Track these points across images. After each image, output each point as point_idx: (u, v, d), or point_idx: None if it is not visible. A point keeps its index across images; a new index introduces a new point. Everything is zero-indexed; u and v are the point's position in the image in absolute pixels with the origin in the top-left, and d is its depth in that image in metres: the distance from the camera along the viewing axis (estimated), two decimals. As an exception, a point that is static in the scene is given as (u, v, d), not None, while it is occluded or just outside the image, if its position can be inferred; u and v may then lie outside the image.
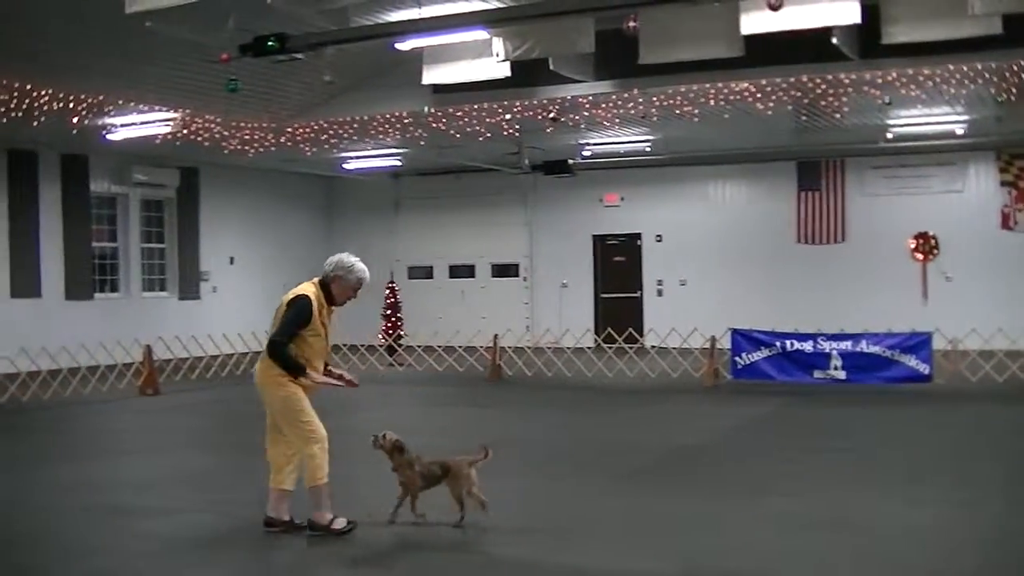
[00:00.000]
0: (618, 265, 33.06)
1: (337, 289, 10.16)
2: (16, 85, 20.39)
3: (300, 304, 9.92)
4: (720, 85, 20.70)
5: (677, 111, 22.73)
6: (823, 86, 20.70)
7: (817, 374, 21.16)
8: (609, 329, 25.71)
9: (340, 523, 10.01)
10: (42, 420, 18.69)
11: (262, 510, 10.24)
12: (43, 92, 20.92)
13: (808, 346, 21.31)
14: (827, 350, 21.11)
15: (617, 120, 24.14)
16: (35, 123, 22.23)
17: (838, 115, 23.81)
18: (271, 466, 10.17)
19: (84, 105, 22.01)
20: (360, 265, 10.24)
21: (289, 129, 25.52)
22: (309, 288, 10.07)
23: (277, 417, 10.05)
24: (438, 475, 10.32)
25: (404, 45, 18.09)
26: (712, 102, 21.85)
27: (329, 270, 10.19)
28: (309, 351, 9.96)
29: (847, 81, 20.20)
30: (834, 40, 17.25)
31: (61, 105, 21.66)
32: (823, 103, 22.38)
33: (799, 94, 21.36)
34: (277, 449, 10.14)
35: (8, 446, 16.09)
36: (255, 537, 9.96)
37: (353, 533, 9.88)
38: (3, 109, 21.28)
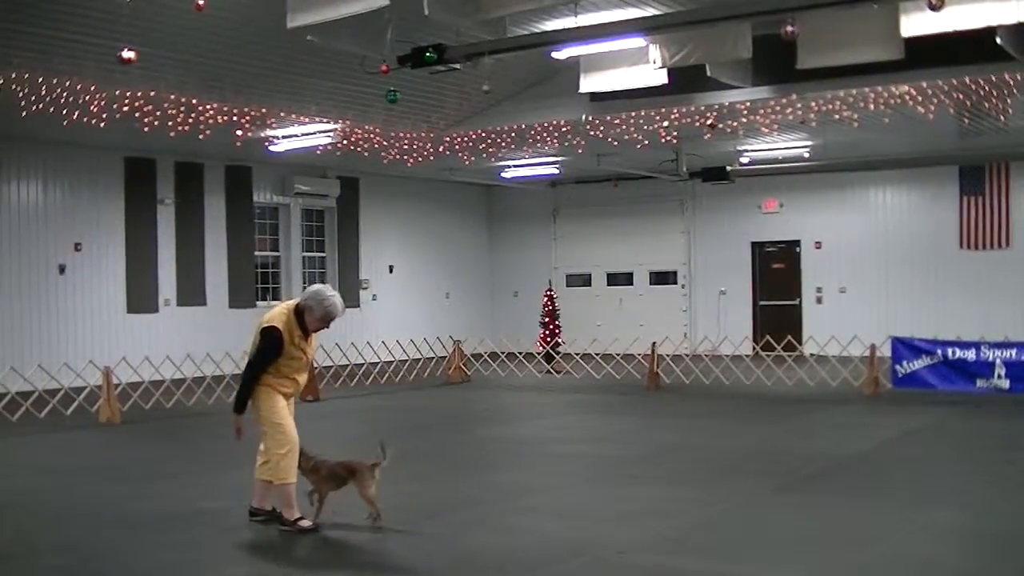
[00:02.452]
0: (777, 272, 32.74)
1: (308, 318, 10.45)
2: (183, 100, 20.88)
3: (270, 339, 10.30)
4: (880, 89, 20.37)
5: (836, 116, 22.41)
6: (986, 87, 20.23)
7: (980, 383, 20.68)
8: (767, 337, 25.45)
9: (305, 523, 10.39)
10: (207, 426, 19.03)
11: (408, 518, 10.38)
12: (208, 107, 21.40)
13: (971, 354, 20.85)
14: (991, 359, 20.63)
15: (775, 126, 23.89)
16: (201, 136, 22.74)
17: (1003, 117, 23.26)
18: (258, 459, 10.71)
19: (247, 118, 22.47)
20: (332, 300, 10.49)
21: (447, 138, 25.71)
22: (281, 317, 10.38)
23: (257, 415, 10.50)
24: (343, 477, 10.58)
25: (561, 54, 18.14)
26: (872, 106, 21.50)
27: (302, 300, 10.50)
28: (285, 369, 10.43)
29: (1012, 82, 19.72)
30: (998, 40, 16.80)
31: (226, 119, 22.14)
32: (987, 105, 21.87)
33: (961, 96, 20.90)
34: (264, 443, 10.58)
35: (172, 451, 16.41)
36: (411, 543, 10.04)
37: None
38: (171, 123, 21.81)
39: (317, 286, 10.65)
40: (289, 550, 10.00)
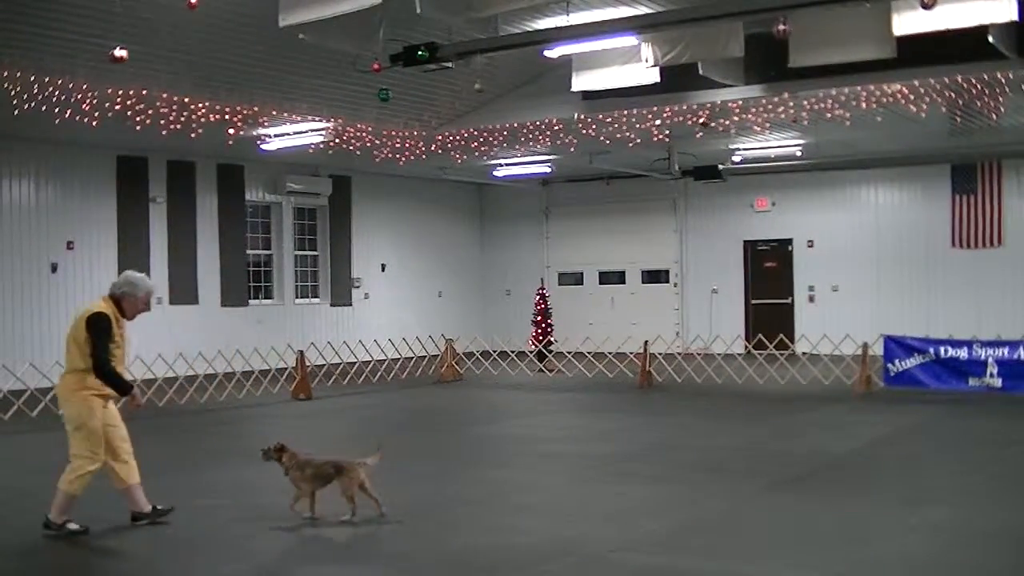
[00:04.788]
0: (769, 271, 32.78)
1: (127, 304, 10.60)
2: (175, 98, 20.88)
3: (102, 322, 10.33)
4: (872, 87, 20.39)
5: (828, 114, 22.45)
6: (979, 86, 20.27)
7: (972, 382, 20.71)
8: (760, 335, 25.52)
9: (73, 526, 10.36)
10: (198, 423, 19.06)
11: (399, 516, 10.43)
12: (200, 105, 21.40)
13: (963, 353, 20.87)
14: (983, 357, 20.65)
15: (767, 124, 23.91)
16: (193, 135, 22.75)
17: (994, 116, 23.32)
18: (111, 471, 10.57)
19: (239, 117, 22.47)
20: (145, 281, 10.75)
21: (440, 137, 25.73)
22: (102, 305, 10.48)
23: (69, 427, 10.40)
24: (331, 474, 10.61)
25: (553, 52, 18.19)
26: (864, 105, 21.53)
27: (117, 289, 10.58)
28: (116, 355, 10.43)
29: (1004, 80, 19.75)
30: (990, 38, 16.85)
31: (217, 117, 22.14)
32: (979, 104, 21.93)
33: (953, 95, 20.94)
34: (72, 450, 10.41)
35: (163, 448, 16.41)
36: (395, 540, 10.06)
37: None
38: (163, 122, 21.81)
39: (124, 274, 10.80)
40: (282, 547, 10.01)
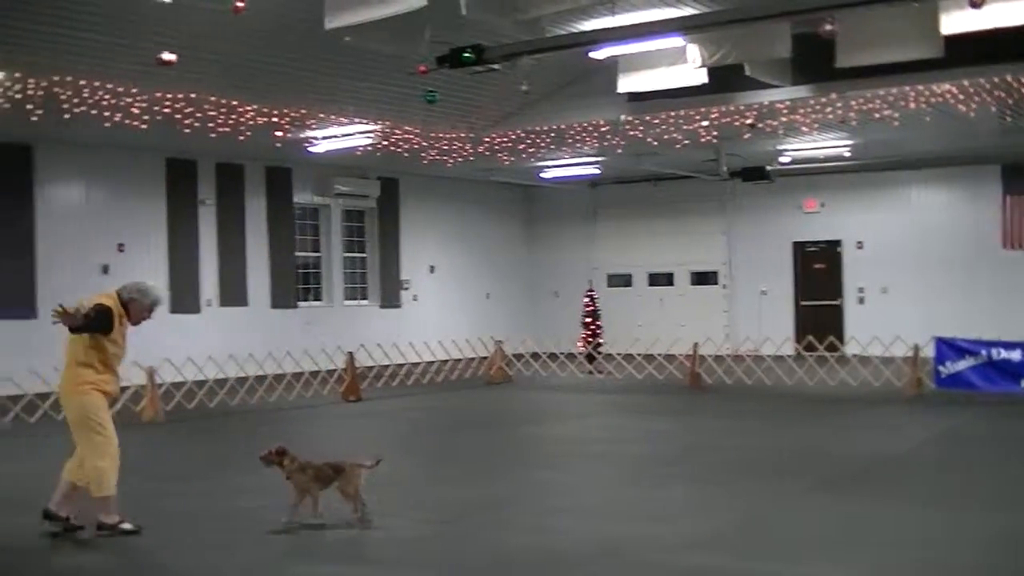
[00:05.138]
0: (818, 272, 32.61)
1: (133, 309, 10.66)
2: (223, 102, 21.01)
3: (103, 310, 10.39)
4: (920, 87, 20.28)
5: (876, 115, 22.31)
6: (1029, 85, 20.14)
7: (1025, 383, 20.58)
8: (809, 337, 25.33)
9: (127, 525, 10.37)
10: (248, 425, 19.14)
11: (444, 516, 10.43)
12: (248, 108, 21.52)
13: (1016, 355, 20.66)
14: (1035, 359, 20.51)
15: (815, 125, 23.80)
16: (241, 137, 22.87)
17: (1046, 115, 23.13)
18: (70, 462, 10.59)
19: (287, 120, 22.57)
20: (154, 291, 10.84)
21: (487, 139, 25.76)
22: (109, 300, 10.54)
23: (73, 425, 10.44)
24: (331, 476, 10.61)
25: (599, 54, 18.17)
26: (912, 105, 21.39)
27: (126, 294, 10.65)
28: (106, 356, 10.44)
29: (1055, 79, 19.61)
30: (1040, 36, 16.71)
31: (265, 120, 22.26)
32: (1029, 103, 21.77)
33: (1003, 94, 20.75)
34: (81, 449, 10.48)
35: (212, 448, 16.51)
36: (442, 541, 10.08)
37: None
38: (211, 125, 21.95)
39: (135, 281, 10.89)
40: (321, 549, 10.04)
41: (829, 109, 22.15)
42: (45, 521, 10.41)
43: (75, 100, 19.58)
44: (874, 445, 15.87)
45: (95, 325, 10.29)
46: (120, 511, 10.39)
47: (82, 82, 18.98)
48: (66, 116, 20.07)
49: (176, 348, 23.14)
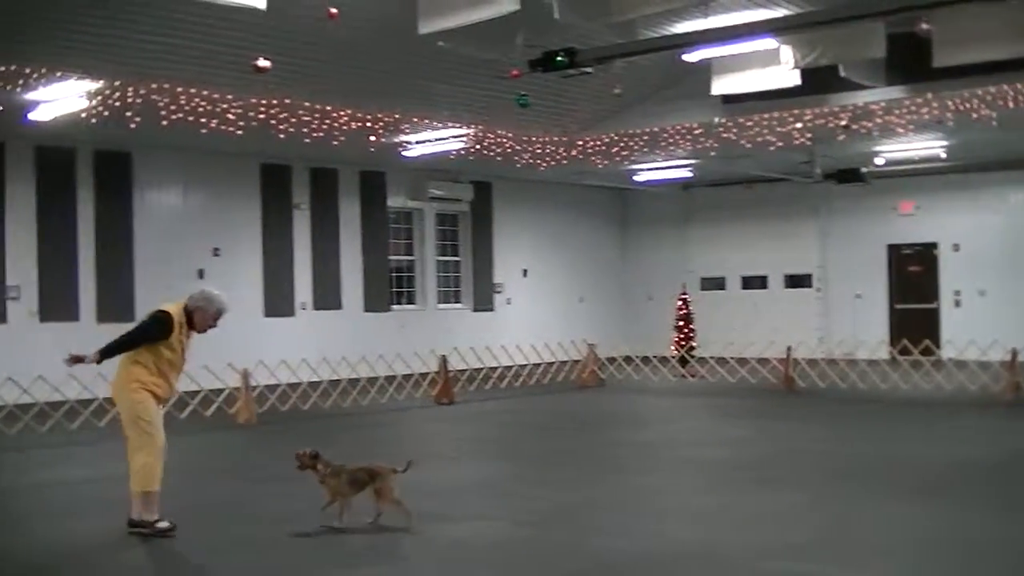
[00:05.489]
0: (914, 275, 32.19)
1: (198, 317, 10.68)
2: (318, 107, 21.19)
3: (157, 316, 10.51)
4: (1019, 85, 19.98)
5: (973, 115, 21.99)
6: None
7: None
8: (904, 341, 25.04)
9: (164, 524, 10.47)
10: (341, 427, 19.26)
11: (537, 520, 10.39)
12: (342, 113, 21.68)
13: (1117, 358, 20.37)
14: None
15: (911, 126, 23.50)
16: (335, 142, 23.04)
17: None
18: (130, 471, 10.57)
19: (381, 124, 22.71)
20: (219, 300, 10.78)
21: (580, 142, 25.75)
22: (173, 308, 10.61)
23: (124, 421, 10.56)
24: (365, 480, 10.62)
25: (692, 56, 18.07)
26: (1011, 104, 21.05)
27: (192, 302, 10.67)
28: (163, 363, 10.49)
29: None
30: None
31: (359, 125, 22.41)
32: None
33: (1107, 92, 20.46)
34: (129, 447, 10.53)
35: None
36: (534, 543, 10.08)
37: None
38: (306, 130, 22.14)
39: (201, 289, 10.87)
40: (412, 552, 10.05)
41: (925, 109, 21.89)
42: (132, 529, 10.49)
43: (172, 107, 19.86)
44: (969, 451, 15.62)
45: (143, 329, 10.46)
46: (160, 510, 10.56)
47: (179, 89, 19.25)
48: (163, 123, 20.34)
49: (270, 351, 23.39)
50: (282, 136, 22.29)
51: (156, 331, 10.44)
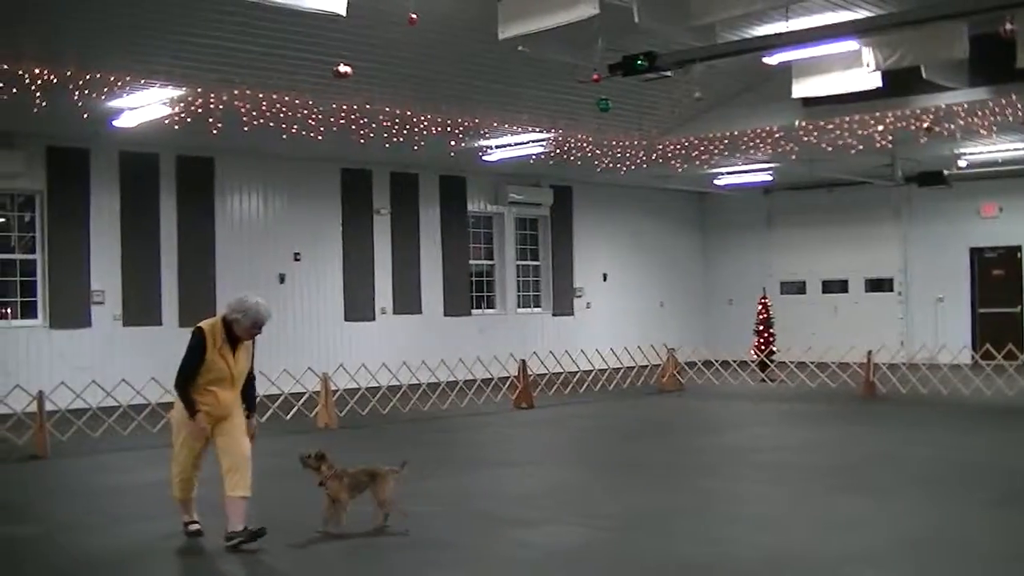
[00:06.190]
0: (997, 279, 31.83)
1: (237, 329, 10.53)
2: (398, 112, 21.29)
3: (191, 344, 10.43)
4: (1105, 87, 19.72)
5: (1058, 116, 21.77)
6: None
7: None
8: (988, 345, 24.74)
9: (195, 527, 10.77)
10: (420, 431, 19.34)
11: (615, 524, 10.37)
12: (422, 117, 21.77)
13: None
14: None
15: (994, 128, 23.21)
16: (415, 147, 23.14)
17: None
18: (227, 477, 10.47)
19: (461, 128, 22.78)
20: (256, 307, 10.54)
21: (660, 146, 25.67)
22: (209, 323, 10.54)
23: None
24: (365, 482, 10.68)
25: (772, 59, 17.99)
26: (1095, 105, 20.83)
27: (230, 313, 10.54)
28: (205, 380, 10.40)
29: None
30: None
31: (439, 129, 22.49)
32: None
33: None
34: (221, 462, 10.48)
35: (383, 455, 16.60)
36: (610, 548, 10.07)
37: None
38: (386, 135, 22.25)
39: (238, 298, 10.69)
40: (489, 556, 10.08)
41: (1009, 111, 21.60)
42: (228, 543, 10.37)
43: (254, 112, 20.03)
44: (1057, 457, 15.47)
45: (186, 357, 10.44)
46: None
47: (260, 95, 19.41)
48: (245, 128, 20.52)
49: (350, 355, 23.56)
50: (362, 141, 22.44)
51: (195, 358, 10.40)
